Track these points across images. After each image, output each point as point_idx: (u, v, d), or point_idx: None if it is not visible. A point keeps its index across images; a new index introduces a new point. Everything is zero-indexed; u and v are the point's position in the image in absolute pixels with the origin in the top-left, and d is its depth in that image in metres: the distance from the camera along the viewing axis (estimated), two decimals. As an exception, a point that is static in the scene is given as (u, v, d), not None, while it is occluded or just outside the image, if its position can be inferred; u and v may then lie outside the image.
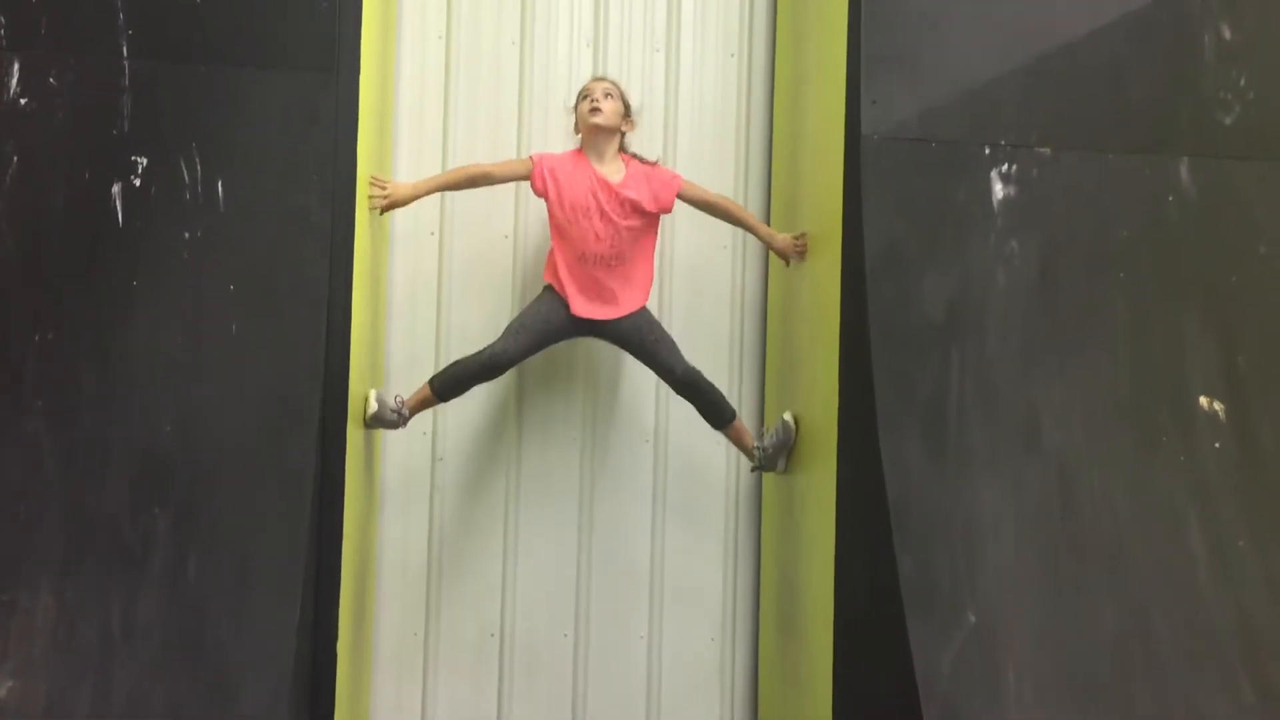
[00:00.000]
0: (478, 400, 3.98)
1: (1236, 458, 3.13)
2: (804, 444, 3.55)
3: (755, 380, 4.16)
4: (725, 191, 4.04)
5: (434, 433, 4.01)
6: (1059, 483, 3.04)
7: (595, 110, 3.59)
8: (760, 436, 3.74)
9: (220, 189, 3.01)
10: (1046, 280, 3.16)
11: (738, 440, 3.76)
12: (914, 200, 3.15)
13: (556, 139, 3.97)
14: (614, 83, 3.71)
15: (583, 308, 3.60)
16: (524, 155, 3.86)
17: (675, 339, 3.72)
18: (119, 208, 2.96)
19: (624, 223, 3.58)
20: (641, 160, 3.70)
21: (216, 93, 3.05)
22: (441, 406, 3.75)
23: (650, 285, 3.72)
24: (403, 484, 4.00)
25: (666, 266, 4.11)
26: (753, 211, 4.01)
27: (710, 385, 3.66)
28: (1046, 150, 3.20)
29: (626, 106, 3.68)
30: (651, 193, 3.62)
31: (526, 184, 3.66)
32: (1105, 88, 3.26)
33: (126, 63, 3.00)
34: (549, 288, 3.67)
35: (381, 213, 3.50)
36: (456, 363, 3.60)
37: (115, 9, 3.01)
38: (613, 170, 3.62)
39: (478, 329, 3.91)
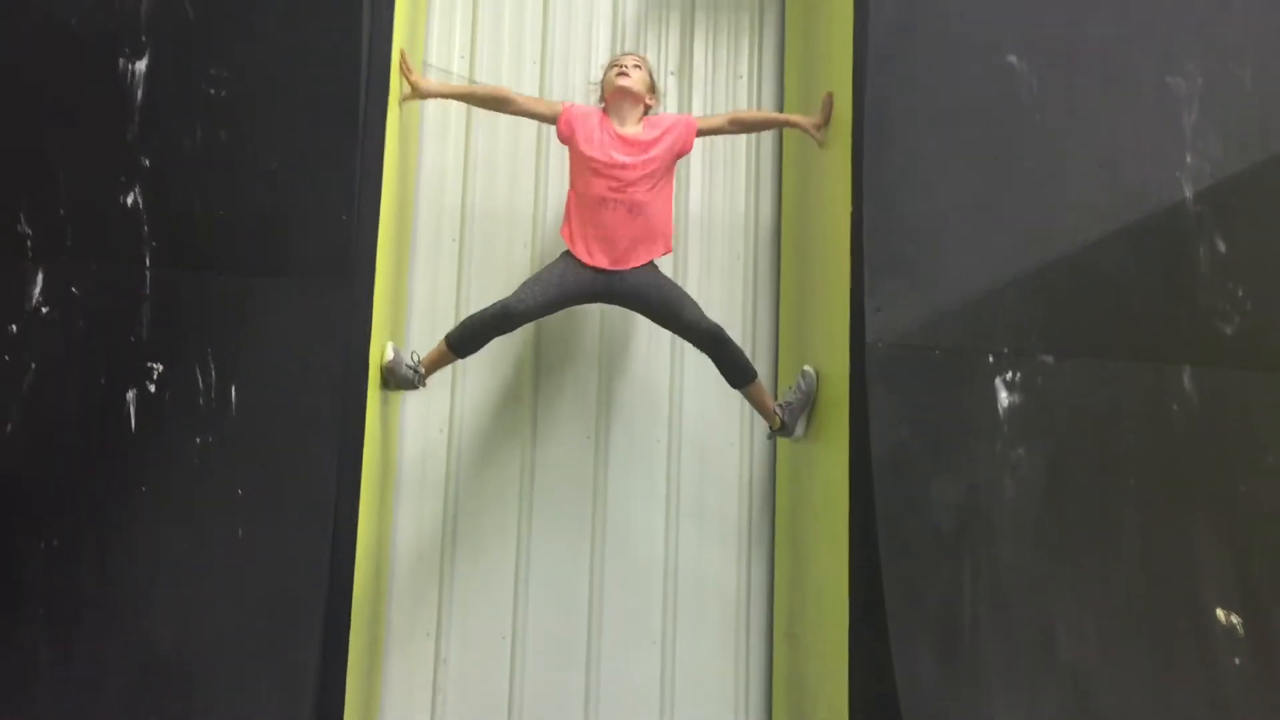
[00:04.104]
0: (481, 577, 3.99)
1: (1257, 674, 3.06)
2: (815, 652, 3.48)
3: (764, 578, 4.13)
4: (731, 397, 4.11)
5: (437, 634, 3.94)
6: (1076, 699, 2.96)
7: (623, 75, 3.66)
8: (777, 397, 3.73)
9: (234, 394, 3.03)
10: (1055, 488, 3.15)
11: (758, 401, 3.71)
12: (919, 407, 3.17)
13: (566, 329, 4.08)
14: (642, 57, 3.80)
15: (595, 257, 3.58)
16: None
17: None
18: (132, 414, 2.98)
19: (640, 165, 3.57)
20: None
21: (233, 300, 3.08)
22: (438, 577, 3.76)
23: (670, 235, 3.69)
24: (404, 692, 3.91)
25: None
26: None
27: (734, 343, 3.62)
28: (1049, 358, 3.23)
29: (653, 81, 3.76)
30: (671, 137, 3.64)
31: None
32: (1105, 297, 3.31)
33: (149, 272, 3.04)
34: (566, 251, 3.65)
35: (402, 101, 3.53)
36: (471, 316, 3.58)
37: (141, 220, 3.07)
38: (632, 130, 3.65)
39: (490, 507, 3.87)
